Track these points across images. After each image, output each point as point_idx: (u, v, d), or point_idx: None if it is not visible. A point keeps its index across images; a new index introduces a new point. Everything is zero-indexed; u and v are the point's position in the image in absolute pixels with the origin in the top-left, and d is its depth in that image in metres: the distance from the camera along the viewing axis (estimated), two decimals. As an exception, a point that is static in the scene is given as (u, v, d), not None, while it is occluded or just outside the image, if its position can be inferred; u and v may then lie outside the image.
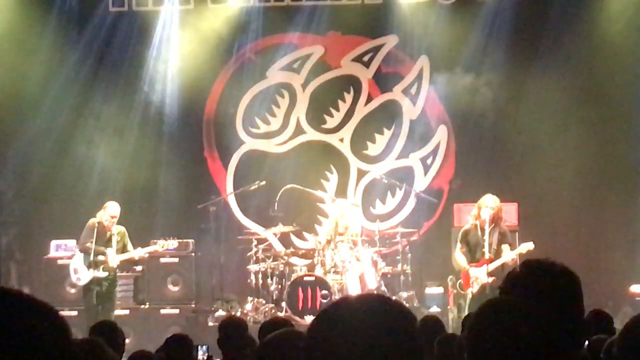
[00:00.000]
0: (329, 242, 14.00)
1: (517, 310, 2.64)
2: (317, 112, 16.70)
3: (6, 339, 1.48)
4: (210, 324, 14.37)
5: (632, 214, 15.61)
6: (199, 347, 7.66)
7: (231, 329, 7.20)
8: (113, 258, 13.05)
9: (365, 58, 16.72)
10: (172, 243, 14.04)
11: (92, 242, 12.91)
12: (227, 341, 7.15)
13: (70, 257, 13.65)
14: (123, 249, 13.23)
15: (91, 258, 12.93)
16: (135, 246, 13.49)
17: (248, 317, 13.44)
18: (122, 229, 13.29)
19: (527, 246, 12.47)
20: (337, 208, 14.54)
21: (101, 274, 12.91)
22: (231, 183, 16.56)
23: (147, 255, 13.84)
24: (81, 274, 12.94)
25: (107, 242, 13.07)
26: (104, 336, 6.12)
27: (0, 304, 1.53)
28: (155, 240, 14.07)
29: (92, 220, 13.13)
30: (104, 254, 13.00)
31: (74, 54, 15.84)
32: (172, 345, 6.33)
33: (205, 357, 8.07)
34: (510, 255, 12.30)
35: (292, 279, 13.90)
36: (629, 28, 15.74)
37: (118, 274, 13.62)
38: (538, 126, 15.94)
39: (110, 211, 13.09)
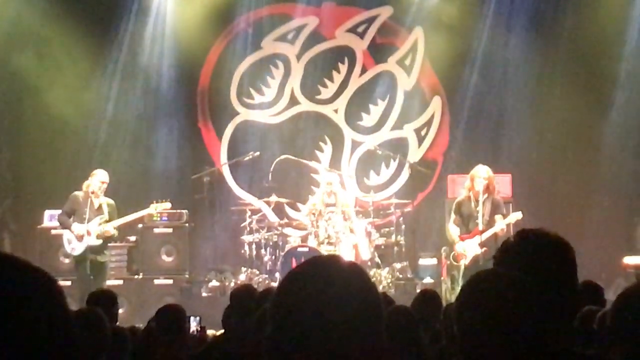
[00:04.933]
0: (320, 212, 13.97)
1: (505, 282, 2.64)
2: (312, 83, 16.67)
3: (1, 304, 1.47)
4: (204, 294, 14.40)
5: (627, 186, 15.60)
6: (192, 318, 7.64)
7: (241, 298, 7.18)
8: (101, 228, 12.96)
9: (360, 29, 16.68)
10: (165, 205, 13.86)
11: (80, 213, 12.85)
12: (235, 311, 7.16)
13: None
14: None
15: (71, 230, 12.86)
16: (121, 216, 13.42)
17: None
18: (112, 202, 13.19)
19: (516, 215, 12.51)
20: (327, 178, 14.47)
21: (95, 241, 12.85)
22: (225, 154, 16.55)
23: (140, 225, 13.71)
24: (75, 244, 12.89)
25: (97, 211, 12.98)
26: (99, 305, 6.14)
27: None
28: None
29: (76, 193, 13.05)
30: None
31: (73, 26, 15.78)
32: (164, 315, 6.31)
33: (198, 328, 8.06)
34: (500, 225, 12.32)
35: (285, 249, 13.91)
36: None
37: (111, 244, 13.59)
38: (533, 97, 15.93)
39: (99, 177, 12.97)
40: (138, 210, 13.67)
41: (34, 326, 1.41)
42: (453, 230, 12.66)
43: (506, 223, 12.35)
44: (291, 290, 1.98)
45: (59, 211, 13.34)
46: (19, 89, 15.94)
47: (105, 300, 6.80)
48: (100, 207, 12.99)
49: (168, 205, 13.91)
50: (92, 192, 12.86)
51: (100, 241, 12.88)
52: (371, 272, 13.94)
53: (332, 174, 14.74)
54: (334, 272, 1.97)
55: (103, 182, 12.98)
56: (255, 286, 13.52)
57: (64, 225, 13.03)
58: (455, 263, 12.84)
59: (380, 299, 2.01)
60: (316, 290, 1.94)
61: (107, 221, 12.92)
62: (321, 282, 1.95)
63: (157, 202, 13.81)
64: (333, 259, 2.04)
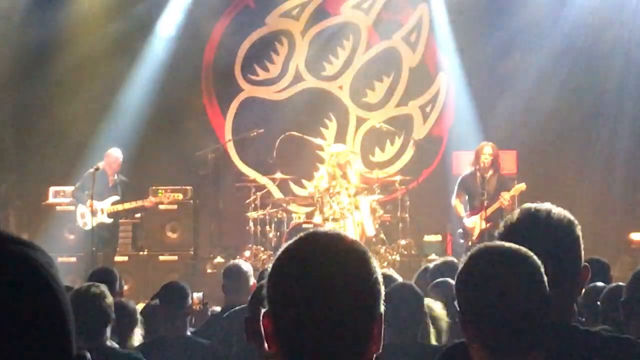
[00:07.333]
0: (327, 189, 13.93)
1: (508, 256, 2.60)
2: (316, 59, 16.62)
3: None
4: (209, 270, 14.42)
5: (633, 162, 15.56)
6: (195, 294, 7.66)
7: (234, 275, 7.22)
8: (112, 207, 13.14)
9: (365, 5, 16.60)
10: (177, 195, 14.08)
11: (90, 190, 12.94)
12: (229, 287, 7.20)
13: (69, 204, 13.68)
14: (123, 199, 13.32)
15: (86, 205, 12.99)
16: (133, 193, 13.51)
17: (246, 264, 13.45)
18: (125, 179, 13.37)
19: (520, 187, 12.53)
20: (334, 155, 14.39)
21: (106, 219, 13.01)
22: (230, 130, 16.52)
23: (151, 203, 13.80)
24: (87, 219, 13.04)
25: (112, 189, 13.15)
26: (101, 281, 6.14)
27: None
28: (158, 188, 14.06)
29: (91, 171, 13.15)
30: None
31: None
32: (168, 291, 6.32)
33: (201, 304, 8.07)
34: (504, 198, 12.33)
35: (290, 226, 13.91)
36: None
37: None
38: (537, 73, 15.85)
39: (115, 154, 13.21)
40: (142, 188, 13.79)
41: (22, 301, 1.38)
42: (458, 206, 12.70)
43: (510, 195, 12.38)
44: (283, 265, 1.95)
45: (64, 187, 13.46)
46: (26, 70, 15.93)
47: (105, 277, 6.78)
48: (115, 185, 13.16)
49: (179, 195, 14.05)
50: (109, 170, 13.07)
51: (111, 219, 13.05)
52: (376, 249, 13.95)
53: (339, 146, 14.61)
54: (328, 247, 1.93)
55: (118, 158, 13.20)
56: (260, 263, 13.64)
57: (79, 200, 13.22)
58: (460, 240, 12.87)
59: (377, 275, 1.95)
60: (309, 266, 1.91)
61: (119, 201, 13.08)
62: (314, 258, 1.92)
63: (169, 191, 13.87)
64: (328, 234, 2.00)
